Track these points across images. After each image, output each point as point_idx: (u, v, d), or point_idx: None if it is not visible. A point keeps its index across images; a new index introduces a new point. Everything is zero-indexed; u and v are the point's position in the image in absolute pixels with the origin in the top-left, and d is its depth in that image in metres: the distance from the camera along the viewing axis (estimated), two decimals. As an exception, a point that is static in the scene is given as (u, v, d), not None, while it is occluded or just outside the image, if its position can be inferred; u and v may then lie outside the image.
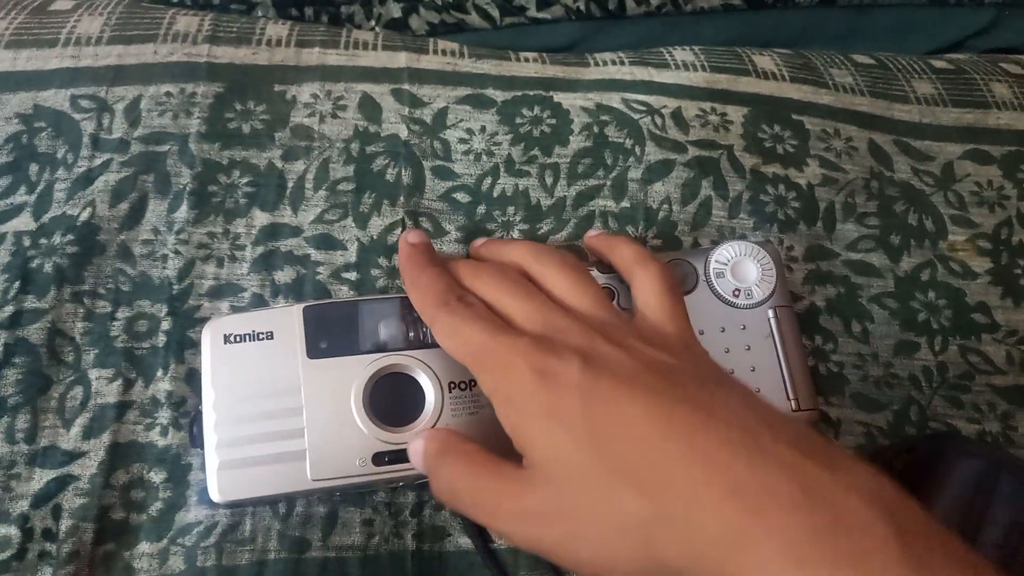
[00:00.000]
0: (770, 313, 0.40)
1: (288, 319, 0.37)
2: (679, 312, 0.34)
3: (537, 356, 0.29)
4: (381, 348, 0.37)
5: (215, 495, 0.35)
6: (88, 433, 0.38)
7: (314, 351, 0.37)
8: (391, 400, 0.37)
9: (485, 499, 0.30)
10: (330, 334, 0.37)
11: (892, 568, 0.22)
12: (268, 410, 0.36)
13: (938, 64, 0.56)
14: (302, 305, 0.38)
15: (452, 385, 0.37)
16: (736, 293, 0.40)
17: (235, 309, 0.41)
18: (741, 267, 0.41)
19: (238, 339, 0.37)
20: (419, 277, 0.36)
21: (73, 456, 0.38)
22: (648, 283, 0.35)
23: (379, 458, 0.36)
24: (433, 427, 0.36)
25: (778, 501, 0.24)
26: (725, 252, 0.41)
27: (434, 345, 0.36)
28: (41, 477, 0.37)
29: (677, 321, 0.34)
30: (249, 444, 0.35)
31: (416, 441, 0.34)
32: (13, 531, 0.36)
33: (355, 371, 0.37)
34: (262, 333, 0.37)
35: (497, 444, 0.31)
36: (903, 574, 0.22)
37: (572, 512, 0.27)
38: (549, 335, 0.31)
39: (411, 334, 0.38)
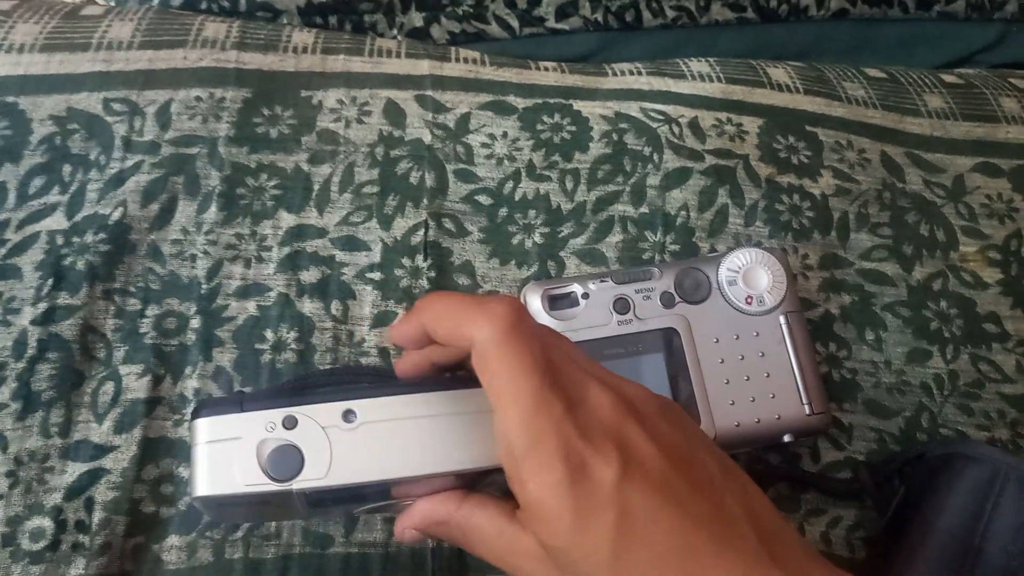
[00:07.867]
0: (782, 319, 0.41)
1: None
2: None
3: (574, 439, 0.25)
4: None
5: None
6: (119, 428, 0.39)
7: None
8: None
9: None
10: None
11: None
12: None
13: (948, 78, 0.57)
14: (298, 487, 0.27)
15: None
16: (748, 300, 0.41)
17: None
18: (752, 274, 0.42)
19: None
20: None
21: (105, 450, 0.38)
22: None
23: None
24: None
25: None
26: (736, 260, 0.42)
27: None
28: (74, 470, 0.38)
29: None
30: None
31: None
32: (47, 523, 0.37)
33: None
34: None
35: None
36: None
37: None
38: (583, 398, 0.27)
39: None
